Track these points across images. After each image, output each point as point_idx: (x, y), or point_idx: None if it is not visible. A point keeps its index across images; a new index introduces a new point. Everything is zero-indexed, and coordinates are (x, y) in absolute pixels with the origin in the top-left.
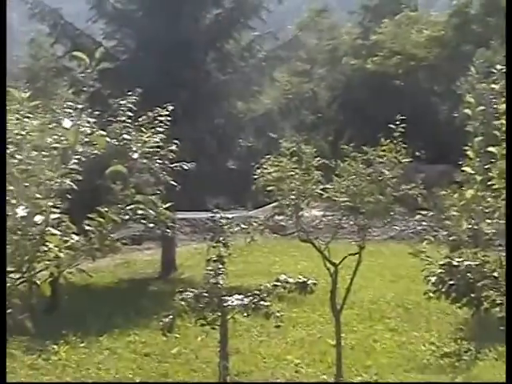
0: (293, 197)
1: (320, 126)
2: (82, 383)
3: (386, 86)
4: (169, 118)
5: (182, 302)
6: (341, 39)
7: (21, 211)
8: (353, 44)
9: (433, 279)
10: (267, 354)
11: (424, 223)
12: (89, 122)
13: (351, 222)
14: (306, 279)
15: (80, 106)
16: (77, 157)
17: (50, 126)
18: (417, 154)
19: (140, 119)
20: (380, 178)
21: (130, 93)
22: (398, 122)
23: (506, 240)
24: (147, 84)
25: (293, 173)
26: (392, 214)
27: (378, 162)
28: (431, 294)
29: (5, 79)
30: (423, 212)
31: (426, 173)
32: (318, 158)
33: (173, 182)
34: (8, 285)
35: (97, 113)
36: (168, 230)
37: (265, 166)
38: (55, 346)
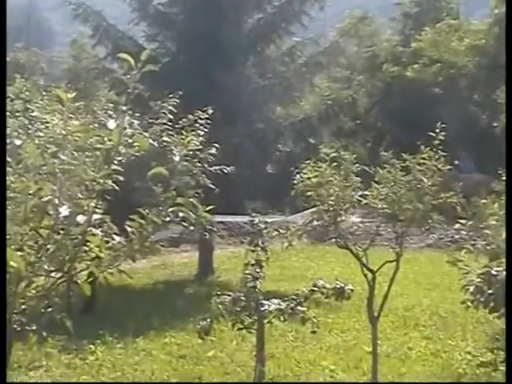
0: (331, 202)
1: (359, 132)
2: (83, 383)
3: (425, 94)
4: (209, 121)
5: (219, 306)
6: (381, 46)
7: (63, 211)
8: (393, 51)
9: (471, 288)
10: (302, 359)
11: (462, 232)
12: (131, 124)
13: (389, 229)
14: (343, 285)
15: (123, 108)
16: (119, 158)
17: (92, 127)
18: (456, 162)
19: (180, 122)
20: (419, 186)
21: (170, 95)
22: (437, 130)
23: (506, 240)
24: (187, 87)
25: (332, 179)
26: (430, 222)
27: (417, 169)
28: (469, 304)
29: (5, 79)
30: (462, 221)
31: (464, 182)
32: (357, 165)
33: (212, 186)
34: (48, 284)
35: (137, 115)
36: (206, 233)
37: (304, 172)
38: (92, 346)
